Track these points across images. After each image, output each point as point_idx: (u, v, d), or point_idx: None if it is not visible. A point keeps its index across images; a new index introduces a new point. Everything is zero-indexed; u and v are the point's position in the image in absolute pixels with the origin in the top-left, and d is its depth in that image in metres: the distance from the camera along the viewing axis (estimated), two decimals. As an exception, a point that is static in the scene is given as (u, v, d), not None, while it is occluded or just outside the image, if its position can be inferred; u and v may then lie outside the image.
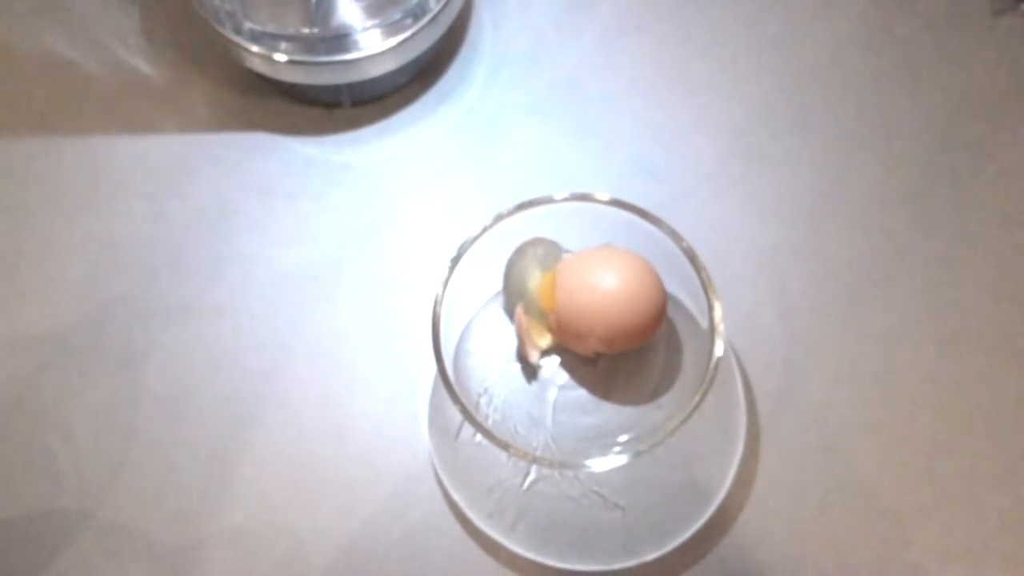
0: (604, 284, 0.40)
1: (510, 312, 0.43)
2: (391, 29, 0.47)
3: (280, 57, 0.46)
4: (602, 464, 0.38)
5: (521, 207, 0.41)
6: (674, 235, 0.40)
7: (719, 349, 0.38)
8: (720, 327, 0.38)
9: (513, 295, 0.43)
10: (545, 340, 0.42)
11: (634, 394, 0.42)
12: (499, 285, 0.43)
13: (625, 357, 0.43)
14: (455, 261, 0.40)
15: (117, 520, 0.42)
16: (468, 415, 0.37)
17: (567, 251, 0.43)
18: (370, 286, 0.46)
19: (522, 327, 0.42)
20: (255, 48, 0.46)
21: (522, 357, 0.43)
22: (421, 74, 0.51)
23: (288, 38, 0.46)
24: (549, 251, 0.43)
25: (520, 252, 0.43)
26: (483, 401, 0.42)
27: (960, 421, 0.43)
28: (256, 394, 0.44)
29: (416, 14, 0.47)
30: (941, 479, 0.42)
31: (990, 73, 0.49)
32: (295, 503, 0.42)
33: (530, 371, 0.43)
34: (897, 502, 0.41)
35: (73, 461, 0.43)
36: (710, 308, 0.39)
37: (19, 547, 0.42)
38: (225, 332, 0.45)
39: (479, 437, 0.39)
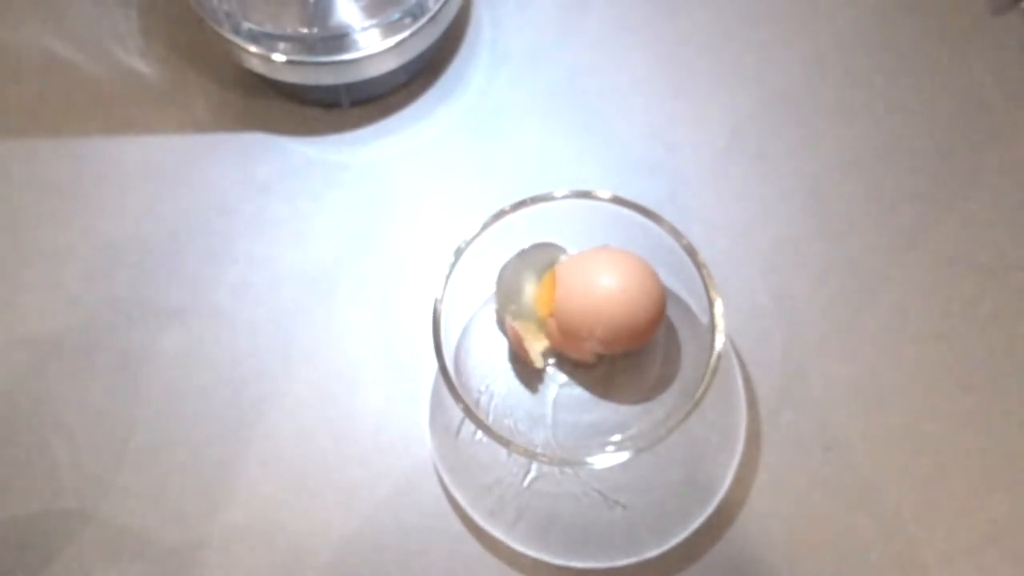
0: (603, 284, 0.39)
1: (501, 324, 0.43)
2: (390, 28, 0.47)
3: (278, 57, 0.46)
4: (603, 461, 0.38)
5: (521, 204, 0.41)
6: (674, 232, 0.40)
7: (719, 345, 0.38)
8: (720, 323, 0.38)
9: (505, 303, 0.42)
10: (542, 344, 0.42)
11: (634, 392, 0.42)
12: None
13: (625, 355, 0.42)
14: (456, 258, 0.40)
15: (116, 520, 0.42)
16: (469, 412, 0.37)
17: (564, 253, 0.43)
18: (369, 286, 0.46)
19: (517, 335, 0.41)
20: (253, 48, 0.46)
21: (520, 360, 0.42)
22: (420, 74, 0.51)
23: (286, 38, 0.46)
24: (544, 256, 0.42)
25: (514, 259, 0.42)
26: (483, 399, 0.42)
27: (961, 419, 0.42)
28: (255, 394, 0.44)
29: (415, 13, 0.47)
30: (942, 478, 0.41)
31: (990, 72, 0.49)
32: (295, 503, 0.42)
33: (530, 376, 0.42)
34: (897, 501, 0.41)
35: (72, 461, 0.43)
36: (711, 304, 0.38)
37: (18, 548, 0.41)
38: (224, 332, 0.45)
39: (480, 435, 0.39)
